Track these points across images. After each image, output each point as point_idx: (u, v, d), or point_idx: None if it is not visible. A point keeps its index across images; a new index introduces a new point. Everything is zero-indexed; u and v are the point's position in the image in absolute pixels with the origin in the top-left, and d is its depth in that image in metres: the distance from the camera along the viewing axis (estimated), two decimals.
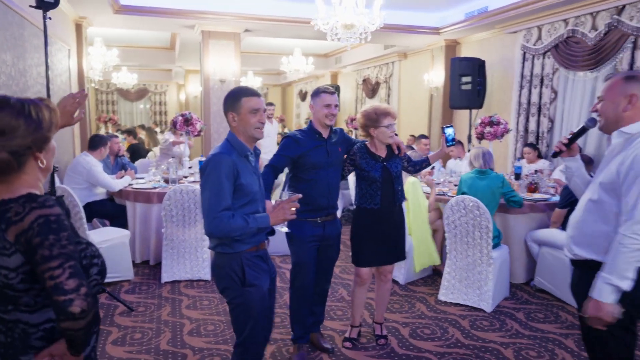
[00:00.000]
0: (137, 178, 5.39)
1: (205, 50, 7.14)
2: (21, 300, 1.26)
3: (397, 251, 3.19)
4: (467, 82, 7.03)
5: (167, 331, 3.47)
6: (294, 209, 2.13)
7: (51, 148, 1.34)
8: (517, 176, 5.13)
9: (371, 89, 11.15)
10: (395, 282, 4.50)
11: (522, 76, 6.62)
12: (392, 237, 3.14)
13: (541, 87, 6.32)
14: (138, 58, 11.86)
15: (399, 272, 4.51)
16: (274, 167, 2.88)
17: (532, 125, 6.45)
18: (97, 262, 1.38)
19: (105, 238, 4.31)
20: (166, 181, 5.13)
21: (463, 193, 4.05)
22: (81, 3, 5.82)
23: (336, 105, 2.88)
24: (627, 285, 1.74)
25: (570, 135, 2.11)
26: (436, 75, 8.41)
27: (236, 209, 2.07)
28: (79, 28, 6.50)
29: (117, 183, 4.83)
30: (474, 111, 7.33)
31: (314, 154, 2.86)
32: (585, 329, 1.95)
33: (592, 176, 2.13)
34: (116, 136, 5.75)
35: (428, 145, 6.54)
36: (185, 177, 5.52)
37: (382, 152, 3.09)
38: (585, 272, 1.93)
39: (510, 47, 6.99)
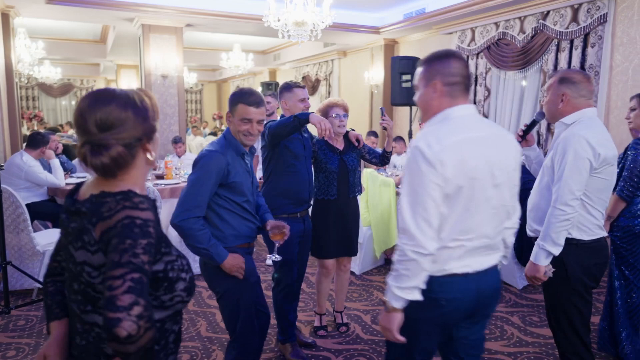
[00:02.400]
0: (79, 177, 5.15)
1: (146, 44, 6.91)
2: (100, 303, 1.15)
3: (353, 244, 3.31)
4: (407, 80, 7.34)
5: None
6: (241, 270, 2.14)
7: (156, 139, 1.26)
8: None
9: (311, 86, 11.29)
10: (351, 272, 4.66)
11: None
12: (349, 229, 3.25)
13: (476, 85, 6.76)
14: (64, 51, 11.15)
15: (354, 263, 4.67)
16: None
17: None
18: (184, 276, 1.25)
19: (49, 240, 4.09)
20: None
21: None
22: None
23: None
24: (557, 251, 2.04)
25: (525, 127, 2.37)
26: (376, 73, 8.70)
27: (232, 202, 2.15)
28: (5, 18, 6.04)
29: (62, 178, 4.61)
30: (414, 108, 7.67)
31: (292, 145, 2.88)
32: (549, 302, 2.20)
33: None
34: (53, 133, 5.42)
35: (376, 143, 6.78)
36: None
37: (340, 145, 3.21)
38: None
39: (446, 47, 7.38)
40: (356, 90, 9.63)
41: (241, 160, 2.20)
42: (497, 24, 6.30)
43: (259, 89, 12.25)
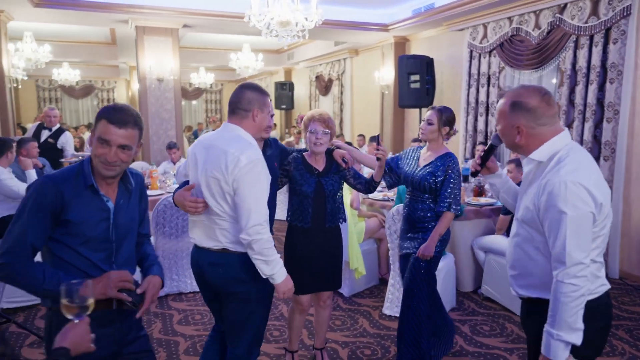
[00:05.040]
0: None
1: (141, 47, 6.69)
2: None
3: (333, 278, 2.88)
4: (416, 80, 6.89)
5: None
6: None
7: None
8: (465, 178, 4.97)
9: (324, 86, 10.92)
10: (339, 294, 4.28)
11: (470, 74, 6.53)
12: (326, 262, 2.80)
13: (488, 85, 6.24)
14: (78, 54, 11.17)
15: (344, 283, 4.27)
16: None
17: (481, 125, 6.36)
18: None
19: None
20: None
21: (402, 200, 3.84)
22: None
23: None
24: (577, 338, 1.55)
25: (482, 154, 1.96)
26: (386, 73, 8.24)
27: (66, 247, 1.63)
28: None
29: None
30: (424, 110, 7.19)
31: None
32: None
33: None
34: (34, 140, 5.20)
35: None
36: None
37: (320, 165, 2.76)
38: (533, 306, 1.76)
39: (457, 45, 6.88)
40: (367, 90, 9.20)
41: (91, 194, 1.64)
42: (510, 19, 5.77)
43: (273, 90, 11.95)
